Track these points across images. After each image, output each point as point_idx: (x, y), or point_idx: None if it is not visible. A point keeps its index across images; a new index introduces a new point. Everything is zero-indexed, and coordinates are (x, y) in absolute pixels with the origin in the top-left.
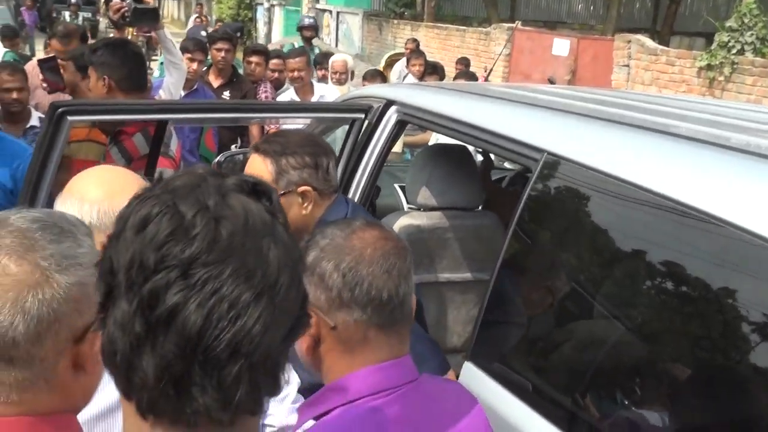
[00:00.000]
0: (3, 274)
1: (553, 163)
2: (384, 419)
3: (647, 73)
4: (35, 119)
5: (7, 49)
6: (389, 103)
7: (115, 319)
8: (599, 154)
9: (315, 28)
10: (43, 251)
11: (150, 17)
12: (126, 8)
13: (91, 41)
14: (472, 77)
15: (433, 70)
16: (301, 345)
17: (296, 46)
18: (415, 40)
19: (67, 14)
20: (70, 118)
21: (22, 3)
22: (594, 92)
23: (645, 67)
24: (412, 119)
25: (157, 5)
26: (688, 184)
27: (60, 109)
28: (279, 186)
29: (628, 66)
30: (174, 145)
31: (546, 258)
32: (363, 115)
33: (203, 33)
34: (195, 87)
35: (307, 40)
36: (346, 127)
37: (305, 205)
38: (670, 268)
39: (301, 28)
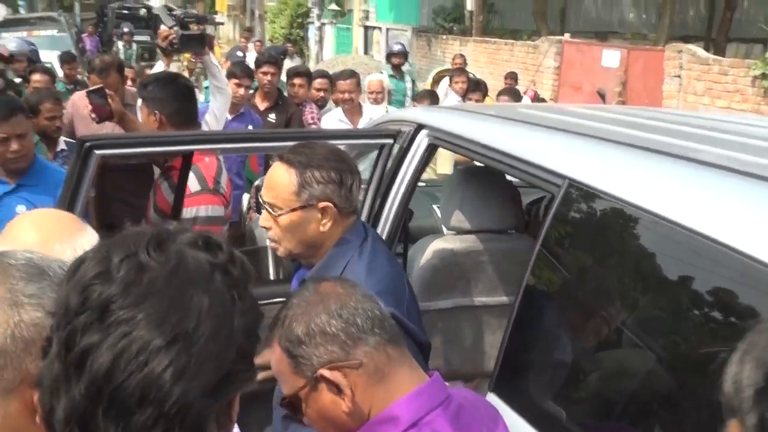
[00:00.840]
0: None
1: (574, 189)
2: None
3: (699, 84)
4: (62, 143)
5: (62, 81)
6: (420, 127)
7: (45, 361)
8: (620, 181)
9: (405, 55)
10: (10, 285)
11: (197, 43)
12: (174, 35)
13: (144, 63)
14: (515, 94)
15: (476, 87)
16: (337, 410)
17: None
18: (462, 56)
19: (120, 44)
20: (97, 152)
21: (83, 29)
22: (629, 113)
23: (697, 78)
24: (442, 143)
25: (204, 31)
26: (712, 216)
27: (87, 144)
28: (300, 199)
29: (679, 76)
30: (224, 180)
31: (570, 286)
32: (392, 141)
33: (239, 54)
34: (241, 111)
35: (396, 68)
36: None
37: (324, 221)
38: (698, 302)
39: (389, 55)
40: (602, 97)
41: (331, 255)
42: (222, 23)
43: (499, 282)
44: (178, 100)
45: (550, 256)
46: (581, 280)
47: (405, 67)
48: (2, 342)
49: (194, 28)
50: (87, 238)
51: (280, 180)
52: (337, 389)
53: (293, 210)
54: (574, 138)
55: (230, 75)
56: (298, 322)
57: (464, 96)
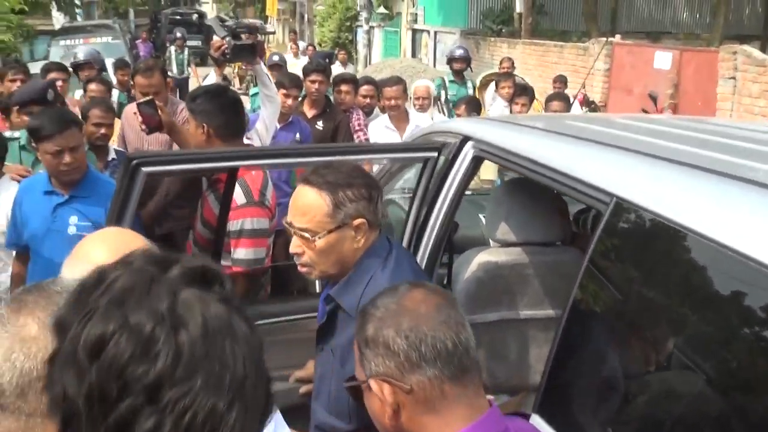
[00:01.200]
0: (5, 324)
1: (622, 208)
2: None
3: (755, 86)
4: (113, 152)
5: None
6: (466, 139)
7: None
8: (668, 201)
9: (467, 60)
10: (52, 310)
11: (248, 53)
12: (226, 46)
13: (194, 67)
14: (564, 99)
15: (522, 92)
16: (382, 417)
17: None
18: (509, 59)
19: (173, 50)
20: (144, 169)
21: (137, 36)
22: (683, 126)
23: (752, 79)
24: (488, 156)
25: (255, 41)
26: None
27: (134, 161)
28: (335, 220)
29: (734, 78)
30: (269, 192)
31: (618, 304)
32: (436, 154)
33: (275, 58)
34: (290, 119)
35: (458, 73)
36: None
37: (358, 238)
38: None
39: (450, 60)
40: (654, 99)
41: (356, 270)
42: (273, 32)
43: (545, 295)
44: (225, 113)
45: (597, 273)
46: (629, 299)
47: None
48: (43, 366)
49: (246, 38)
50: None
51: (313, 203)
52: (380, 399)
53: (330, 232)
54: (624, 154)
55: (279, 85)
56: (371, 324)
57: (511, 101)
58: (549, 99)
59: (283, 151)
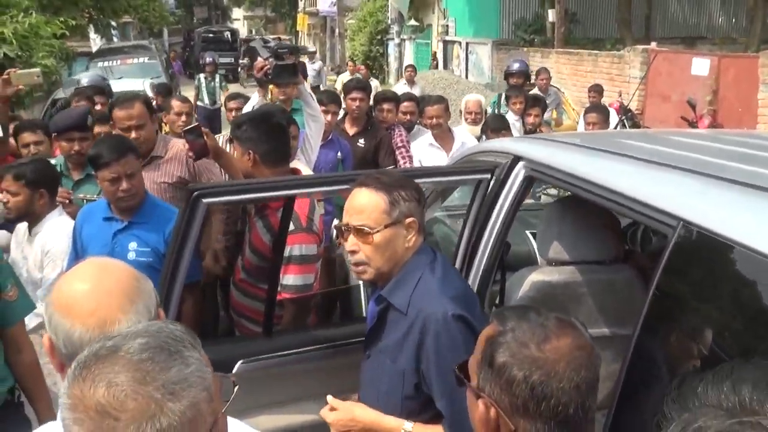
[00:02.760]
0: (122, 411)
1: (689, 231)
2: None
3: None
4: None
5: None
6: (517, 159)
7: None
8: (737, 224)
9: (526, 75)
10: (155, 382)
11: (290, 73)
12: (269, 66)
13: (226, 91)
14: (603, 110)
15: (534, 103)
16: (480, 428)
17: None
18: (546, 70)
19: (202, 77)
20: (204, 200)
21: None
22: (745, 143)
23: None
24: (541, 176)
25: (296, 61)
26: None
27: (195, 193)
28: (391, 216)
29: None
30: (317, 217)
31: (686, 332)
32: (489, 176)
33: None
34: (330, 137)
35: (513, 88)
36: None
37: (409, 237)
38: None
39: (507, 75)
40: (693, 107)
41: (405, 271)
42: (314, 52)
43: (600, 314)
44: (271, 140)
45: (664, 302)
46: (698, 325)
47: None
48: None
49: (287, 59)
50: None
51: (370, 202)
52: (484, 417)
53: (386, 227)
54: (687, 176)
55: (318, 102)
56: (504, 351)
57: (523, 114)
58: (587, 111)
59: (339, 178)
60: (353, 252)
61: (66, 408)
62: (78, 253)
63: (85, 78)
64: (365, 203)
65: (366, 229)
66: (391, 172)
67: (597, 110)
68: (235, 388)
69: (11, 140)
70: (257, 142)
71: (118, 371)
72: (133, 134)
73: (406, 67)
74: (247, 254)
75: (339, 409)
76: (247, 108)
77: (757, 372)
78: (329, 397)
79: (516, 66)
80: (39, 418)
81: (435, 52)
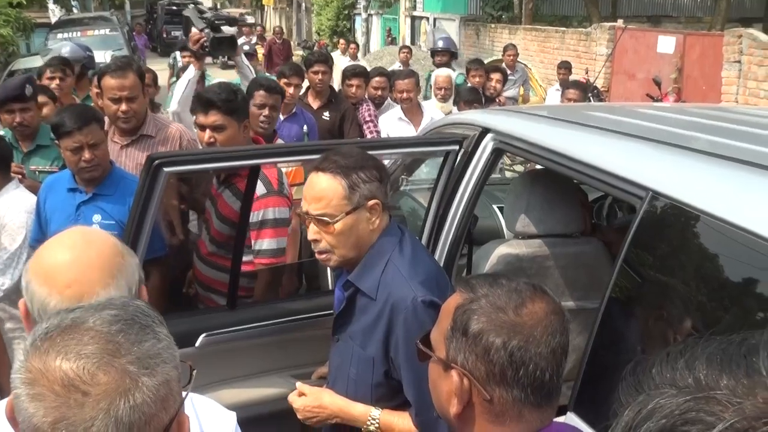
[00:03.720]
0: (93, 384)
1: (658, 202)
2: None
3: (761, 69)
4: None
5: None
6: (485, 131)
7: None
8: (707, 195)
9: (452, 53)
10: (129, 355)
11: (228, 45)
12: (205, 38)
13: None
14: (581, 87)
15: (494, 69)
16: (446, 403)
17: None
18: (514, 47)
19: (178, 55)
20: (166, 169)
21: (133, 27)
22: (709, 115)
23: (758, 63)
24: (509, 148)
25: (234, 34)
26: None
27: (156, 161)
28: (351, 201)
29: (739, 62)
30: (286, 182)
31: (655, 303)
32: (457, 147)
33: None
34: (294, 111)
35: (476, 61)
36: None
37: (373, 219)
38: None
39: (433, 53)
40: (658, 84)
41: (372, 253)
42: (253, 23)
43: (566, 287)
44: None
45: (633, 271)
46: (666, 297)
47: (456, 66)
48: (148, 410)
49: (226, 30)
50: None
51: (329, 188)
52: (458, 388)
53: (348, 213)
54: (655, 147)
55: (280, 75)
56: (479, 318)
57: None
58: (566, 87)
59: (304, 147)
60: (316, 241)
61: (22, 383)
62: (42, 224)
63: (65, 48)
64: (324, 190)
65: (326, 218)
66: (350, 150)
67: (576, 86)
68: (193, 373)
69: None
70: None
71: (87, 342)
72: (124, 106)
73: (401, 48)
74: (216, 226)
75: (307, 395)
76: (182, 81)
77: (711, 347)
78: (298, 383)
79: (441, 44)
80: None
81: (390, 29)
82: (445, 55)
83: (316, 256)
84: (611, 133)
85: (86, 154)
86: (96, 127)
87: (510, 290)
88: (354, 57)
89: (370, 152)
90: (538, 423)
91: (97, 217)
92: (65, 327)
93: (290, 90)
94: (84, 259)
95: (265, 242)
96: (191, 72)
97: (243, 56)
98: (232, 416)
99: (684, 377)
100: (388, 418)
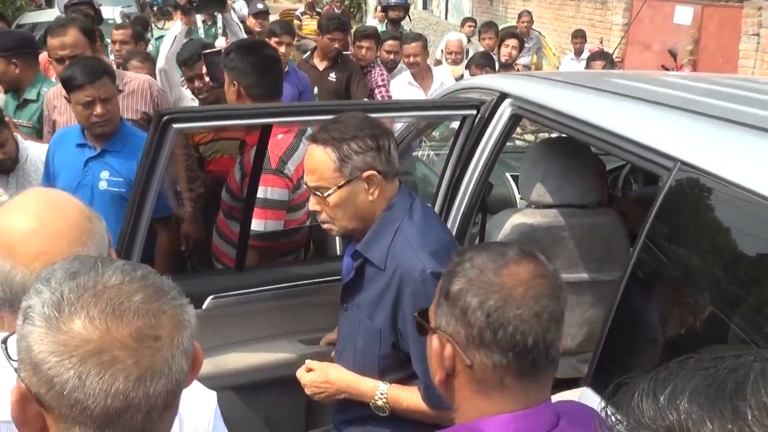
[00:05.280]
0: (159, 327)
1: (687, 173)
2: None
3: None
4: None
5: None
6: (503, 96)
7: None
8: (740, 167)
9: (405, 9)
10: (166, 296)
11: (216, 1)
12: None
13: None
14: (607, 58)
15: (509, 35)
16: (435, 376)
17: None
18: (529, 13)
19: (200, 21)
20: (175, 126)
21: None
22: (737, 85)
23: None
24: (527, 114)
25: None
26: None
27: (165, 117)
28: (343, 174)
29: (758, 35)
30: (294, 162)
31: (679, 278)
32: (475, 111)
33: (260, 6)
34: (286, 70)
35: (394, 23)
36: None
37: (371, 190)
38: None
39: (385, 8)
40: (674, 56)
41: (381, 222)
42: None
43: (580, 258)
44: (256, 72)
45: (658, 244)
46: (691, 274)
47: (406, 24)
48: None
49: None
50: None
51: (320, 161)
52: (439, 353)
53: (340, 187)
54: (685, 115)
55: (270, 33)
56: (459, 280)
57: (498, 50)
58: (591, 58)
59: (318, 107)
60: (317, 211)
61: (79, 361)
62: (50, 179)
63: None
64: (316, 162)
65: (319, 192)
66: (347, 120)
67: (602, 57)
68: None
69: None
70: (242, 73)
71: (131, 293)
72: (98, 109)
73: (376, 7)
74: (223, 195)
75: (315, 370)
76: (169, 37)
77: (696, 381)
78: (307, 360)
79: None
80: None
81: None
82: (400, 10)
83: (322, 225)
84: (637, 100)
85: (98, 109)
86: (108, 80)
87: (495, 253)
88: (381, 21)
89: (386, 115)
90: (524, 396)
91: (105, 174)
92: (88, 287)
93: (282, 49)
94: (51, 227)
95: (252, 223)
96: (178, 27)
97: (232, 12)
98: (213, 396)
99: (665, 416)
100: (396, 393)
